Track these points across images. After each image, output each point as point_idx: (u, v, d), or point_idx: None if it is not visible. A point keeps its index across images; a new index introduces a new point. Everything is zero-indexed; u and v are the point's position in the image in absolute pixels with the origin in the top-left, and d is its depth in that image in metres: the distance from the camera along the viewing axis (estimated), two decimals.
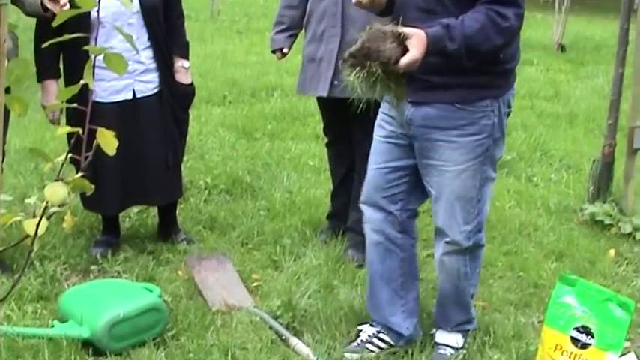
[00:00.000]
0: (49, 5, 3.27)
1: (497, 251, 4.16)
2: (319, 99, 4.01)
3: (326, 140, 4.32)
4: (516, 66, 2.91)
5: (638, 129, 4.53)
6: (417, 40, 2.50)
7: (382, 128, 2.99)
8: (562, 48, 11.55)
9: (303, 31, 4.00)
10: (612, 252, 4.20)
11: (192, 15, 13.33)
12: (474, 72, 2.70)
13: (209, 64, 9.19)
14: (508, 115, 2.93)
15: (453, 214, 2.88)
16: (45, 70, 3.67)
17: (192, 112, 4.00)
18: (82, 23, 3.20)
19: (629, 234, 4.37)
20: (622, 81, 4.64)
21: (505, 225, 4.52)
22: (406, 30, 2.50)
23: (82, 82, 1.85)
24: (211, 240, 4.16)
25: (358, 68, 2.47)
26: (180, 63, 3.84)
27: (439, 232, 2.97)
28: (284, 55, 4.02)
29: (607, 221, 4.47)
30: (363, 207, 3.08)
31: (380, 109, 3.01)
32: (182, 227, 4.20)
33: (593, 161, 4.81)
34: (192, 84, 3.93)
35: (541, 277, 3.85)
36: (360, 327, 3.22)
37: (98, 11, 2.11)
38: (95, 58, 1.89)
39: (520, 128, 6.66)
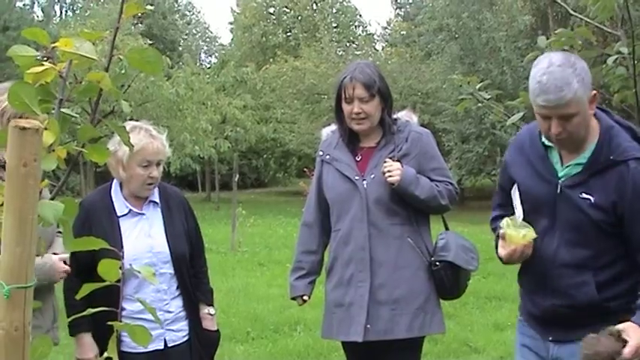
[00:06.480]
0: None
1: None
2: (348, 344, 3.79)
3: None
4: None
5: None
6: (632, 331, 2.56)
7: None
8: None
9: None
10: None
11: (214, 248, 13.51)
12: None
13: (231, 299, 9.18)
14: None
15: None
16: (78, 324, 3.45)
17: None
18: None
19: None
20: None
21: None
22: (618, 326, 2.58)
23: (105, 355, 1.78)
24: None
25: None
26: (206, 310, 3.77)
27: None
28: (304, 302, 3.92)
29: None
30: None
31: None
32: None
33: None
34: (218, 330, 3.84)
35: None
36: None
37: (128, 262, 2.07)
38: (121, 310, 1.82)
39: None
